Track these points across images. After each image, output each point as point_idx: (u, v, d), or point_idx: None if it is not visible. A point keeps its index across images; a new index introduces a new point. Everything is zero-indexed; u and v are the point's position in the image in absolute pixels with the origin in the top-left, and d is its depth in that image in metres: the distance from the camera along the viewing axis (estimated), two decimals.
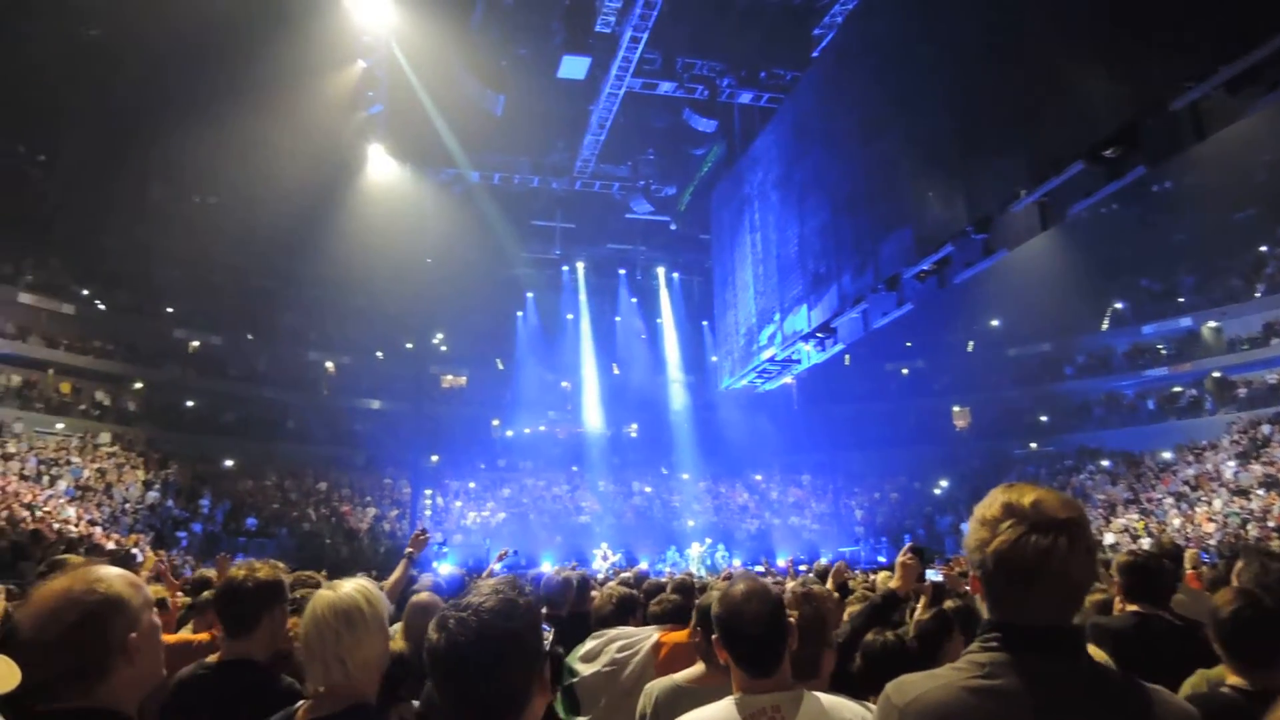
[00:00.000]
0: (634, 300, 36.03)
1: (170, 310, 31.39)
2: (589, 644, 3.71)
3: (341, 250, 27.88)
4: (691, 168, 27.94)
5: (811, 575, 7.24)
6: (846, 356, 29.46)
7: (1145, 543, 20.01)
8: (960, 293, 18.53)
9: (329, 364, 34.77)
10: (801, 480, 34.84)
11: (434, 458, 33.40)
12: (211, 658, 2.68)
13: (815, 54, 20.53)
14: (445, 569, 19.58)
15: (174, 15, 21.34)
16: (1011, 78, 10.49)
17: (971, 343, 35.62)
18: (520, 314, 35.84)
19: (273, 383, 32.53)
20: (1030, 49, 10.19)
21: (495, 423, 35.88)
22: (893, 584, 3.32)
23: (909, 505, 32.13)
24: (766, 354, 20.33)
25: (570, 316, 35.55)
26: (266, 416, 32.15)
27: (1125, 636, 3.19)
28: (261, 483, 28.80)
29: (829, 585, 4.31)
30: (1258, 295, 28.04)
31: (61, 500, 21.15)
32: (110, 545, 19.12)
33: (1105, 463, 29.03)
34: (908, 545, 3.45)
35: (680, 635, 3.45)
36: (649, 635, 3.55)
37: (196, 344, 31.84)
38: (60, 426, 26.10)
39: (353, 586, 2.01)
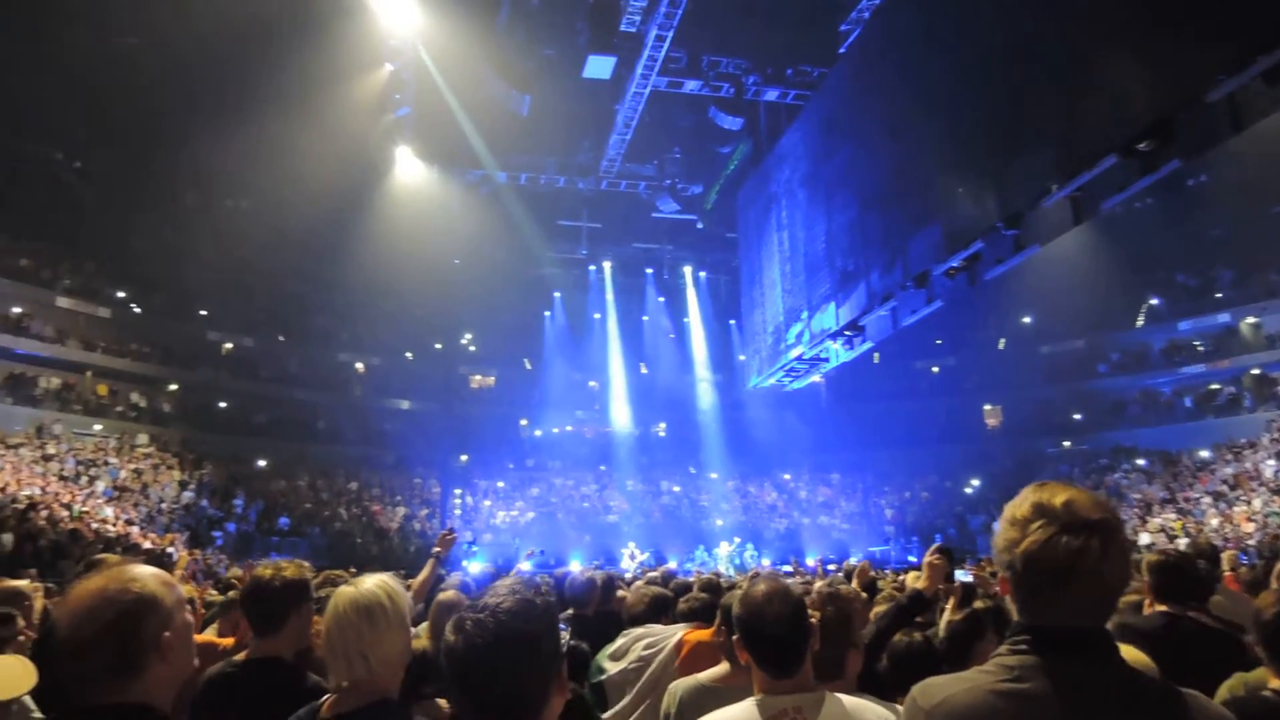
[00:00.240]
0: (661, 299, 36.06)
1: (203, 313, 31.89)
2: (619, 642, 3.73)
3: (370, 252, 28.18)
4: (718, 166, 27.88)
5: (840, 575, 7.21)
6: (875, 354, 29.28)
7: (1182, 543, 19.65)
8: (991, 289, 18.34)
9: (359, 365, 35.11)
10: (830, 479, 34.63)
11: (463, 457, 33.63)
12: (239, 656, 2.71)
13: (842, 50, 20.39)
14: (475, 568, 19.73)
15: (205, 23, 21.66)
16: (1042, 71, 10.35)
17: (1003, 340, 35.20)
18: (548, 314, 35.99)
19: (304, 384, 32.93)
20: (1061, 40, 10.04)
21: (523, 422, 36.05)
22: (919, 584, 3.28)
23: (940, 504, 31.84)
24: (794, 352, 20.23)
25: (597, 316, 35.64)
26: (298, 417, 32.55)
27: (1153, 638, 3.12)
28: (294, 483, 29.18)
29: (854, 585, 4.28)
30: None
31: (100, 500, 21.54)
32: (146, 545, 19.44)
33: (1141, 461, 28.56)
34: (935, 545, 3.41)
35: (703, 634, 3.44)
36: (674, 634, 3.55)
37: (229, 346, 32.32)
38: (98, 428, 26.60)
39: (374, 583, 2.02)
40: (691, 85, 22.53)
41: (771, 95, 22.85)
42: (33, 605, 3.76)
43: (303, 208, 27.33)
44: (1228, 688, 2.57)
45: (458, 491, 32.01)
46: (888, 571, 11.40)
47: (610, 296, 35.22)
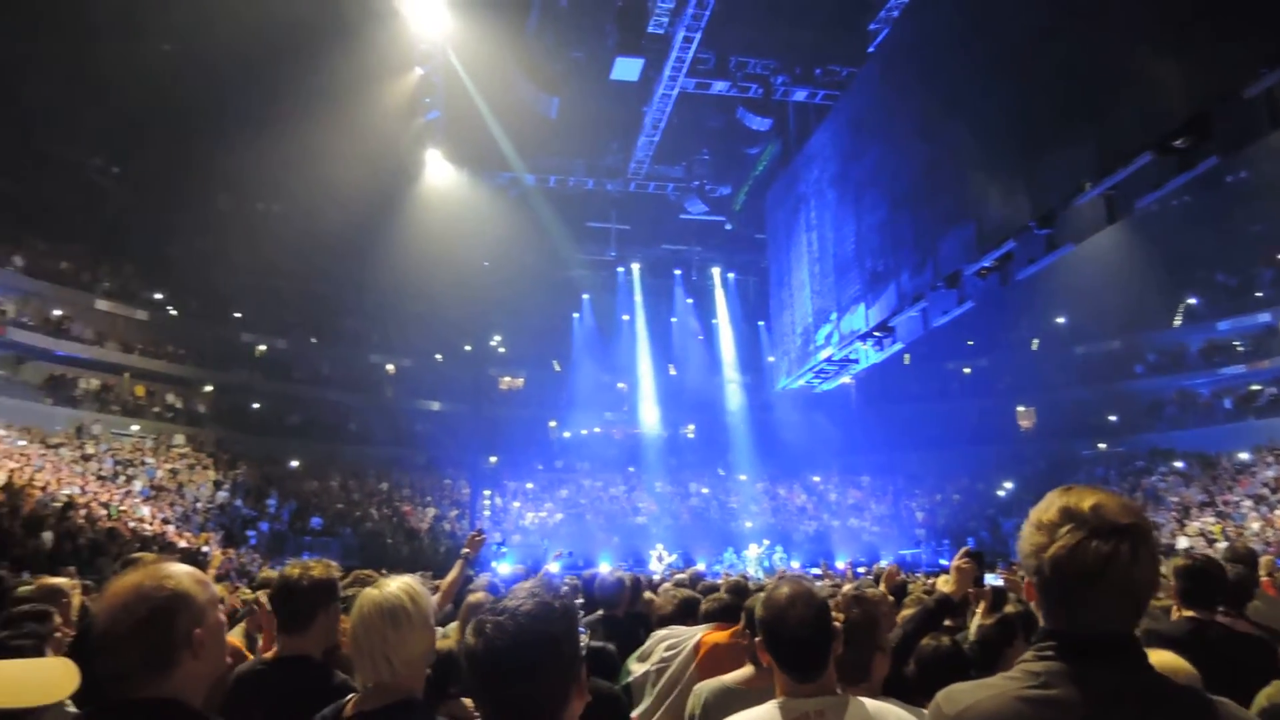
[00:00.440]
0: (689, 301, 35.98)
1: (238, 315, 32.41)
2: (647, 643, 3.75)
3: (401, 255, 28.47)
4: (746, 167, 27.78)
5: (869, 578, 7.15)
6: (906, 356, 28.98)
7: (1221, 547, 19.26)
8: (1024, 289, 18.08)
9: (390, 367, 35.45)
10: (861, 481, 34.37)
11: (492, 458, 33.81)
12: (269, 654, 2.75)
13: (871, 49, 20.23)
14: (504, 569, 19.80)
15: (237, 30, 21.98)
16: (1074, 67, 10.18)
17: (1036, 340, 34.76)
18: (576, 315, 36.10)
19: (336, 385, 33.34)
20: (1093, 36, 9.87)
21: (552, 424, 36.19)
22: (946, 588, 3.23)
23: (971, 507, 31.46)
24: (824, 354, 20.09)
25: (626, 317, 35.66)
26: (330, 418, 32.94)
27: (1178, 643, 3.05)
28: (326, 483, 29.52)
29: (881, 588, 4.24)
30: None
31: (137, 499, 21.92)
32: (182, 543, 19.76)
33: (1178, 464, 28.02)
34: (963, 549, 3.36)
35: (721, 636, 3.44)
36: (694, 635, 3.56)
37: (263, 348, 32.80)
38: (135, 428, 27.11)
39: (398, 585, 2.05)
40: (719, 86, 22.47)
41: (800, 95, 22.72)
42: (71, 602, 3.84)
43: (334, 211, 27.69)
44: (1267, 695, 2.50)
45: (487, 492, 32.20)
46: (918, 575, 11.28)
47: (639, 298, 35.21)
